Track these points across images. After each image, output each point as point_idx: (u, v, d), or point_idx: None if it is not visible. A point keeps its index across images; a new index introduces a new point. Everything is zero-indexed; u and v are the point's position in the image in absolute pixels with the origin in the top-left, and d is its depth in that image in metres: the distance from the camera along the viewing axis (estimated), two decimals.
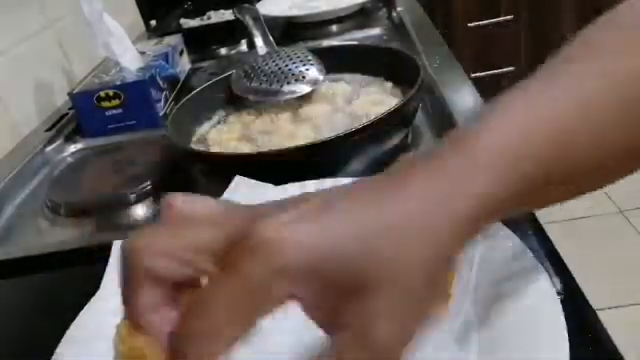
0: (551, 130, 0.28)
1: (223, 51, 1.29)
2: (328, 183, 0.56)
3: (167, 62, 1.01)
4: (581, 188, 0.32)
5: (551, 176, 0.29)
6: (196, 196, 0.28)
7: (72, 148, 0.93)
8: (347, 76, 0.82)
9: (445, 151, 0.28)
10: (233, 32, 1.28)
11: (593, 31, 0.34)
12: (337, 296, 0.25)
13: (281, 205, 0.27)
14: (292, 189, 0.56)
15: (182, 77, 1.09)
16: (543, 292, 0.39)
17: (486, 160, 0.27)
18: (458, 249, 0.27)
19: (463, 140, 0.28)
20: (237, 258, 0.25)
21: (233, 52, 1.27)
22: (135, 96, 0.90)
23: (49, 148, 0.91)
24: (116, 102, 0.90)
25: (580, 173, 0.30)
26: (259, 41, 0.87)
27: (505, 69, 2.04)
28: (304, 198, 0.27)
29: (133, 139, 0.89)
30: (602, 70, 0.31)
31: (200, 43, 1.28)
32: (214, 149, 0.71)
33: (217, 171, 0.65)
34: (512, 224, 0.46)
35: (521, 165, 0.27)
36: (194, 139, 0.76)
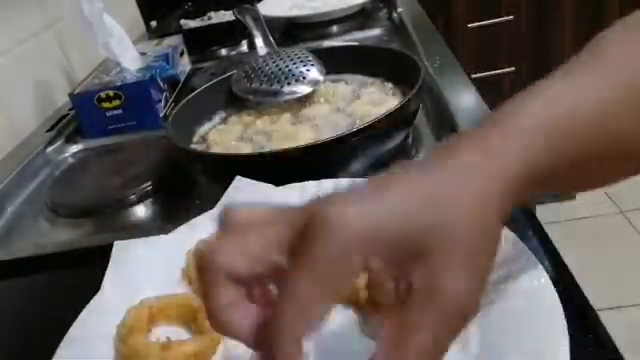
0: (587, 117, 0.32)
1: (223, 52, 1.29)
2: (328, 184, 0.56)
3: (167, 63, 1.01)
4: (612, 174, 0.36)
5: (582, 155, 0.32)
6: (253, 206, 0.31)
7: (73, 149, 0.93)
8: (347, 77, 0.82)
9: (488, 130, 0.31)
10: (233, 33, 1.28)
11: (620, 31, 0.36)
12: (404, 264, 0.28)
13: (335, 193, 0.29)
14: (293, 190, 0.56)
15: (182, 78, 1.09)
16: (543, 292, 0.39)
17: (525, 139, 0.31)
18: (508, 210, 0.31)
19: (504, 122, 0.31)
20: (307, 242, 0.27)
21: (233, 53, 1.27)
22: (135, 97, 0.91)
23: (50, 149, 0.91)
24: (116, 103, 0.91)
25: (607, 158, 0.34)
26: (259, 42, 0.87)
27: (505, 69, 2.04)
28: (357, 185, 0.30)
29: (133, 140, 0.89)
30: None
31: (200, 44, 1.28)
32: (214, 149, 0.71)
33: (217, 171, 0.65)
34: (512, 224, 0.46)
35: (557, 143, 0.31)
36: (194, 140, 0.76)
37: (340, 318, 0.43)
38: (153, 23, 1.54)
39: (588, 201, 2.01)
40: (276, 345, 0.28)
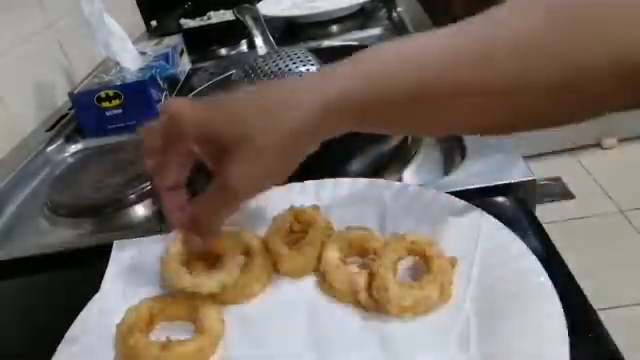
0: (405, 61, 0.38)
1: (223, 51, 1.29)
2: (328, 183, 0.56)
3: (167, 62, 1.01)
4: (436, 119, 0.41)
5: (396, 95, 0.38)
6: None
7: (72, 148, 0.93)
8: None
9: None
10: (233, 32, 1.28)
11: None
12: (219, 152, 0.39)
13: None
14: (292, 189, 0.56)
15: (182, 77, 1.09)
16: (543, 292, 0.39)
17: (351, 70, 0.38)
18: (328, 129, 0.40)
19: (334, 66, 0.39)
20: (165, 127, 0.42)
21: (233, 52, 1.27)
22: (135, 96, 0.91)
23: (49, 148, 0.91)
24: (116, 102, 0.91)
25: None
26: (259, 41, 0.87)
27: None
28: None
29: (133, 139, 0.89)
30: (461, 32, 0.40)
31: (200, 43, 1.28)
32: None
33: None
34: (512, 224, 0.46)
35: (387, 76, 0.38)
36: None
37: (341, 317, 0.43)
38: (153, 23, 1.54)
39: (588, 201, 2.01)
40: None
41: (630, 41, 0.33)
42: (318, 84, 0.38)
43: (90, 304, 0.47)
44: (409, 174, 0.66)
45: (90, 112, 0.91)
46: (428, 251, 0.44)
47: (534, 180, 0.55)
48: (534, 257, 0.42)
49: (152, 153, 0.44)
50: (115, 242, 0.52)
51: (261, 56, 0.82)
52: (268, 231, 0.50)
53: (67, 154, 0.92)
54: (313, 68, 0.77)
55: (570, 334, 0.36)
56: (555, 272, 0.44)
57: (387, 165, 0.66)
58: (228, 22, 1.32)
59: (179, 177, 0.45)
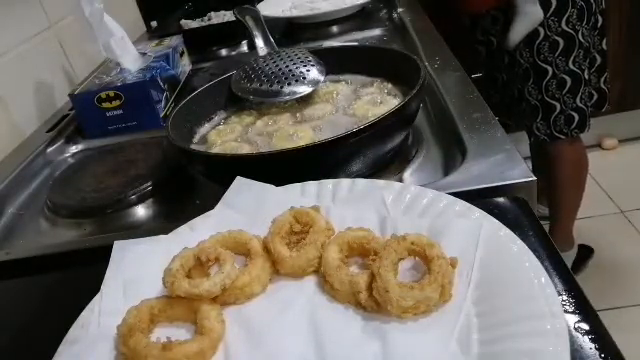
0: None
1: (223, 52, 1.29)
2: (328, 184, 0.56)
3: (168, 63, 1.01)
4: None
5: None
6: None
7: (73, 149, 0.93)
8: (348, 77, 0.82)
9: None
10: (234, 33, 1.28)
11: None
12: None
13: None
14: (293, 190, 0.56)
15: (183, 78, 1.09)
16: (543, 292, 0.39)
17: None
18: None
19: None
20: None
21: (234, 53, 1.27)
22: (136, 97, 0.91)
23: (50, 149, 0.91)
24: (117, 103, 0.91)
25: None
26: (260, 42, 0.87)
27: None
28: None
29: (134, 140, 0.89)
30: None
31: (201, 44, 1.28)
32: (214, 150, 0.71)
33: (217, 172, 0.65)
34: (512, 224, 0.46)
35: None
36: (195, 140, 0.76)
37: (341, 318, 0.43)
38: (153, 23, 1.54)
39: (588, 201, 2.01)
40: None
41: None
42: None
43: (90, 304, 0.47)
44: (409, 174, 0.66)
45: (90, 113, 0.91)
46: (428, 252, 0.44)
47: (534, 180, 0.56)
48: (534, 257, 0.42)
49: None
50: (115, 243, 0.52)
51: (261, 57, 0.82)
52: (268, 232, 0.50)
53: (67, 155, 0.92)
54: (313, 69, 0.77)
55: (570, 334, 0.36)
56: (555, 272, 0.44)
57: (387, 165, 0.66)
58: (228, 23, 1.33)
59: None
